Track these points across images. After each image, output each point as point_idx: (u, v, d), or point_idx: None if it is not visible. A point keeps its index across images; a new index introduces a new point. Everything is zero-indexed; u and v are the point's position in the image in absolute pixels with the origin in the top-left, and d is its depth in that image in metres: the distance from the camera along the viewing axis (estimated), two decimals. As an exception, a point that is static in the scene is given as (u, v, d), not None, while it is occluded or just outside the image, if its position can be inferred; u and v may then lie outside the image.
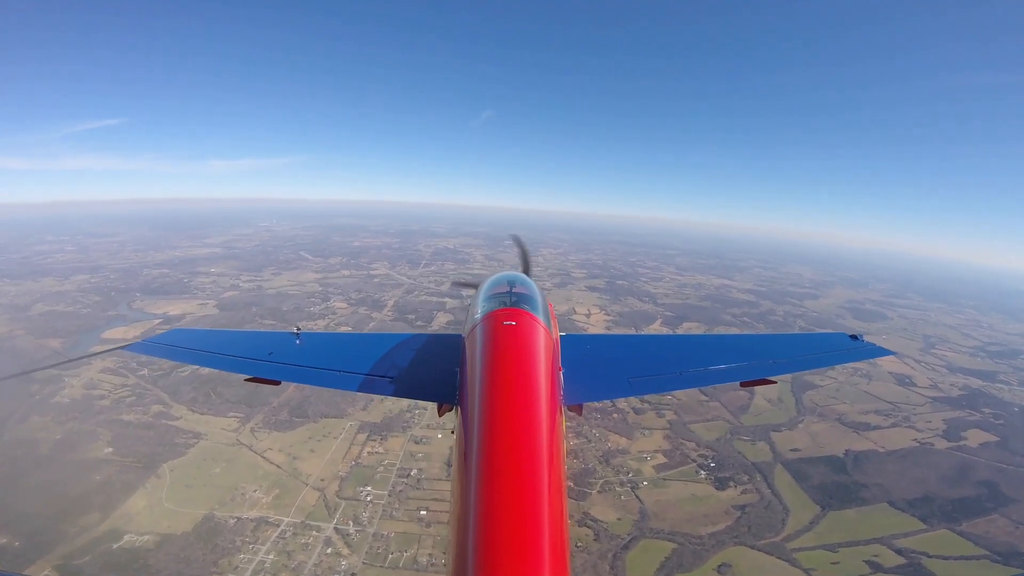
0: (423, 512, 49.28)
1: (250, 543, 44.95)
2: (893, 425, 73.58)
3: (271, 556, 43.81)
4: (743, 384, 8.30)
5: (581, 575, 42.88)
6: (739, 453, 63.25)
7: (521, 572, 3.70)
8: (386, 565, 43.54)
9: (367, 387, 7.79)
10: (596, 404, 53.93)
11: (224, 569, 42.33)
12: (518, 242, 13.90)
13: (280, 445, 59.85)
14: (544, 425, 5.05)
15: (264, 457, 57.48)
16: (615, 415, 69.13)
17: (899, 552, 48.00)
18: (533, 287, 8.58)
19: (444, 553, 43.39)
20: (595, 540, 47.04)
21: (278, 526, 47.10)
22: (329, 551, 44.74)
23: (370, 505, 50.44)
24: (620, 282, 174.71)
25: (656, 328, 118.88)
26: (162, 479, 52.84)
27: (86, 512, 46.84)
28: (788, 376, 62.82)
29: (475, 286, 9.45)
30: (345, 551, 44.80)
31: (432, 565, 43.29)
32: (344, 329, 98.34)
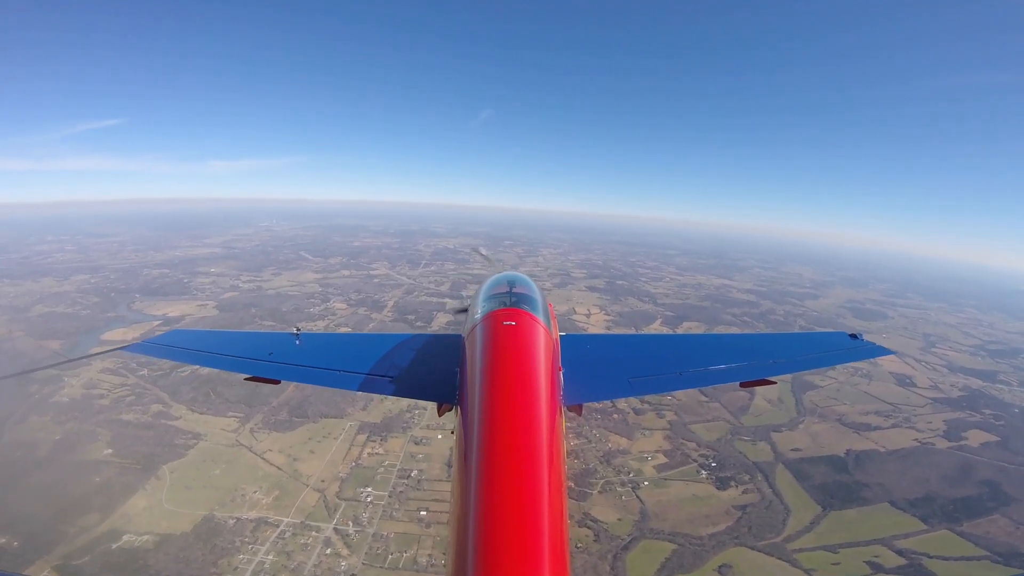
0: (423, 513, 49.23)
1: (250, 543, 44.90)
2: (894, 425, 73.53)
3: (271, 557, 43.76)
4: (743, 384, 8.30)
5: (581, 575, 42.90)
6: (740, 453, 63.20)
7: (521, 572, 3.68)
8: (386, 566, 43.49)
9: (367, 387, 7.79)
10: (596, 404, 53.96)
11: (223, 569, 42.28)
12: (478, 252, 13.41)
13: (280, 446, 59.80)
14: (544, 425, 5.04)
15: (264, 458, 57.43)
16: (615, 415, 69.08)
17: (900, 553, 47.94)
18: (533, 287, 8.58)
19: (444, 553, 43.33)
20: (595, 541, 46.99)
21: (278, 527, 47.05)
22: (329, 552, 44.69)
23: (370, 506, 50.39)
24: (620, 282, 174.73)
25: (656, 328, 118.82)
26: (162, 480, 52.79)
27: (85, 512, 46.79)
28: (788, 376, 62.90)
29: (493, 263, 9.47)
30: (345, 552, 44.77)
31: (432, 566, 43.24)
32: (344, 330, 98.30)
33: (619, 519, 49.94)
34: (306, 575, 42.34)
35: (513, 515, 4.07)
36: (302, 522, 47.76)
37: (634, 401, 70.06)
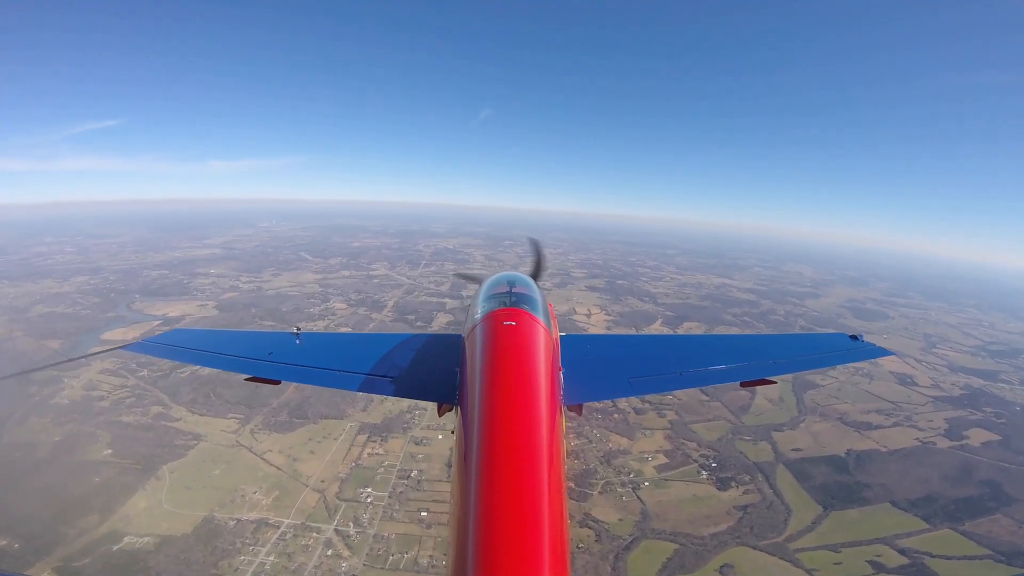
0: (424, 513, 49.19)
1: (250, 545, 44.88)
2: (895, 425, 73.50)
3: (271, 558, 43.72)
4: (743, 384, 8.27)
5: (582, 576, 42.84)
6: (741, 453, 63.16)
7: (521, 573, 3.66)
8: (386, 567, 43.45)
9: (367, 387, 7.76)
10: (596, 404, 53.96)
11: (224, 571, 42.25)
12: (535, 247, 12.95)
13: (280, 446, 59.79)
14: (544, 425, 5.01)
15: (264, 459, 57.41)
16: (616, 415, 69.05)
17: (902, 552, 47.90)
18: (533, 287, 8.55)
19: (444, 554, 43.31)
20: (596, 541, 46.95)
21: (278, 528, 47.04)
22: (329, 553, 44.66)
23: (370, 506, 50.37)
24: (620, 282, 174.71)
25: (656, 328, 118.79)
26: (162, 481, 52.78)
27: (85, 514, 46.77)
28: (789, 376, 62.82)
29: (479, 281, 9.39)
30: (345, 553, 44.74)
31: (432, 567, 43.19)
32: (344, 330, 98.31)
33: (620, 519, 49.91)
34: (306, 576, 42.36)
35: (513, 515, 4.04)
36: (302, 523, 47.74)
37: (635, 401, 70.04)
